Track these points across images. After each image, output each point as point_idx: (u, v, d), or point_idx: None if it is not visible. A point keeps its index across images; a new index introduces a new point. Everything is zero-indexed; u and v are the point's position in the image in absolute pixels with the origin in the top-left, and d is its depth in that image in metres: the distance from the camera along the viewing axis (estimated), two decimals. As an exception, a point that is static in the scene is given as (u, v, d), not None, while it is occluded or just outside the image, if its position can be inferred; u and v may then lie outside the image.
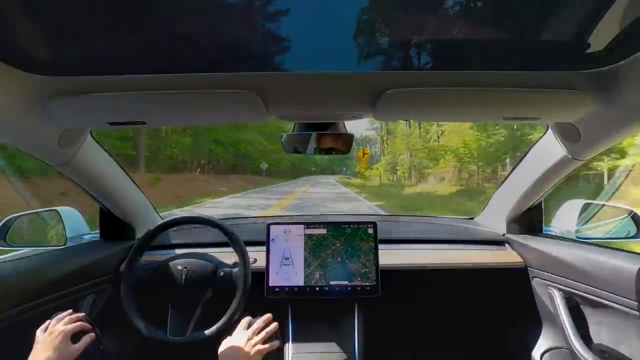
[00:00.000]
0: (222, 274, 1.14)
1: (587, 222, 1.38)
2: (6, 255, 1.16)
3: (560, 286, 1.15)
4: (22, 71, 0.66)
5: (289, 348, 1.21)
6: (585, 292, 1.06)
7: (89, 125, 0.98)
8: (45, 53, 0.65)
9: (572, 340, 1.05)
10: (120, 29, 0.59)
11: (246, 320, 1.00)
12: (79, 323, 0.92)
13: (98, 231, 1.41)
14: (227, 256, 1.23)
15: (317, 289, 1.24)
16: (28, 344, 0.85)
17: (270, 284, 1.24)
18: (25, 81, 0.68)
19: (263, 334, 0.96)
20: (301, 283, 1.24)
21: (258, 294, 1.19)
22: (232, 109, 0.86)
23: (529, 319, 1.33)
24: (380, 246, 1.27)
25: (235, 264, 1.19)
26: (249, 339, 0.93)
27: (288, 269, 1.26)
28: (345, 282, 1.24)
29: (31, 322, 0.91)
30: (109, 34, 0.60)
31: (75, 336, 0.89)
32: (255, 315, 1.03)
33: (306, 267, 1.25)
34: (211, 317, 1.11)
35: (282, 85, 0.77)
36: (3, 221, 1.22)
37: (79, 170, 1.09)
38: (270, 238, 1.28)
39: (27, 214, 1.31)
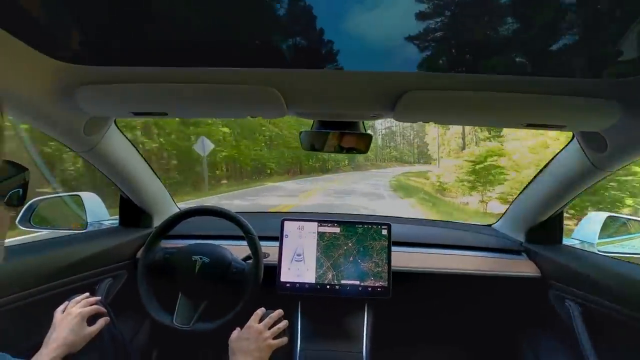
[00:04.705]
0: (234, 270, 1.15)
1: (609, 235, 1.34)
2: (29, 235, 1.20)
3: (579, 300, 1.11)
4: (54, 59, 0.68)
5: (298, 344, 1.21)
6: (605, 308, 1.02)
7: (114, 114, 1.01)
8: (76, 42, 0.66)
9: (587, 357, 1.02)
10: (148, 21, 0.60)
11: (260, 312, 1.01)
12: (95, 306, 0.95)
13: (117, 217, 1.44)
14: (239, 249, 1.25)
15: (328, 287, 1.24)
16: (47, 323, 0.89)
17: (282, 280, 1.25)
18: (56, 69, 0.70)
19: (274, 329, 0.97)
20: (312, 280, 1.24)
21: (268, 288, 1.20)
22: (252, 104, 0.87)
23: (544, 332, 1.29)
24: (393, 248, 1.27)
25: (247, 259, 1.21)
26: (260, 332, 0.94)
27: (299, 266, 1.26)
28: (357, 282, 1.23)
29: (51, 302, 0.94)
30: (137, 26, 0.61)
31: (91, 319, 0.92)
32: (266, 309, 1.03)
33: (318, 267, 1.25)
34: (217, 309, 1.12)
35: (303, 82, 0.77)
36: (28, 203, 1.27)
37: (102, 158, 1.12)
38: (284, 234, 1.29)
39: (51, 197, 1.35)
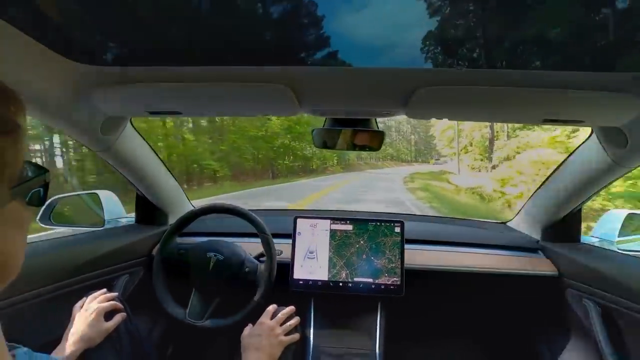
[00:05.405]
0: (247, 269, 1.17)
1: (630, 233, 1.30)
2: (49, 232, 1.23)
3: (597, 299, 1.09)
4: (71, 60, 0.70)
5: (311, 341, 1.22)
6: (624, 308, 1.00)
7: (130, 114, 1.03)
8: (93, 44, 0.68)
9: (606, 357, 1.00)
10: (162, 22, 0.61)
11: (272, 308, 1.02)
12: (112, 302, 0.97)
13: (134, 215, 1.47)
14: (253, 246, 1.26)
15: (341, 284, 1.24)
16: (67, 318, 0.91)
17: (295, 277, 1.26)
18: (73, 70, 0.72)
19: (286, 325, 0.98)
20: (325, 278, 1.25)
21: (281, 285, 1.21)
22: (265, 103, 0.87)
23: (560, 331, 1.27)
24: (406, 245, 1.26)
25: (260, 256, 1.22)
26: (272, 329, 0.95)
27: (312, 263, 1.27)
28: (370, 280, 1.23)
29: (70, 298, 0.97)
30: (152, 27, 0.62)
31: (108, 314, 0.94)
32: (278, 305, 1.04)
33: (331, 265, 1.26)
34: (229, 306, 1.13)
35: (315, 80, 0.77)
36: (48, 201, 1.30)
37: (118, 157, 1.14)
38: (297, 231, 1.30)
39: (70, 195, 1.38)
